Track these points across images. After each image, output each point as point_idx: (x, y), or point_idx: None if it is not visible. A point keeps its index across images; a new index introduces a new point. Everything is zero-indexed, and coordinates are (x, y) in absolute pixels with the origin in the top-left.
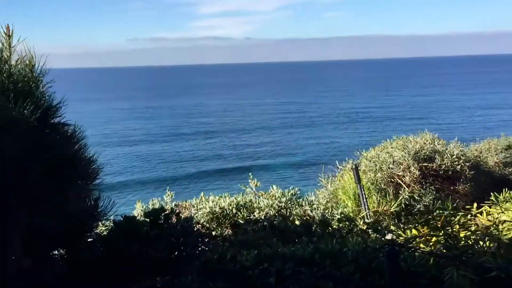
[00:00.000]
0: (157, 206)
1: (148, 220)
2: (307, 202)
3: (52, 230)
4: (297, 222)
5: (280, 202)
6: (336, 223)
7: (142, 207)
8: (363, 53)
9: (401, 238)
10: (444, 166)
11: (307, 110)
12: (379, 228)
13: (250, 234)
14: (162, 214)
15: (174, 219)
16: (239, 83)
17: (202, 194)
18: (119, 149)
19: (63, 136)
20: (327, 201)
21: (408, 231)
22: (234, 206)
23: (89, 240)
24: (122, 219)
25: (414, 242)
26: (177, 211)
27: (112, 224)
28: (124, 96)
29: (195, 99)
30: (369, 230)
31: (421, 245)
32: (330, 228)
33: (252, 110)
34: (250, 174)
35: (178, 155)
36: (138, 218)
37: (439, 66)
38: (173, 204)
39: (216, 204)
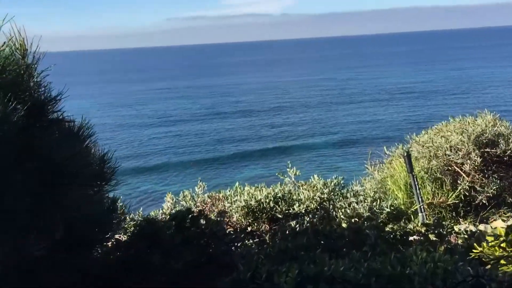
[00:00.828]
0: (188, 198)
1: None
2: (352, 194)
3: (48, 250)
4: (343, 225)
5: (322, 194)
6: (390, 226)
7: (172, 199)
8: (398, 26)
9: (485, 257)
10: (509, 151)
11: (347, 86)
12: (442, 231)
13: (289, 241)
14: (189, 217)
15: (203, 221)
16: (278, 60)
17: (237, 184)
18: (159, 129)
19: (64, 134)
20: (374, 192)
21: (493, 249)
22: (272, 198)
23: (106, 246)
24: (143, 221)
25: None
26: (206, 213)
27: (134, 227)
28: (165, 76)
29: (234, 77)
30: (429, 234)
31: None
32: (382, 233)
33: (291, 87)
34: (288, 162)
35: (217, 135)
36: (162, 217)
37: (471, 38)
38: (206, 195)
39: (252, 197)
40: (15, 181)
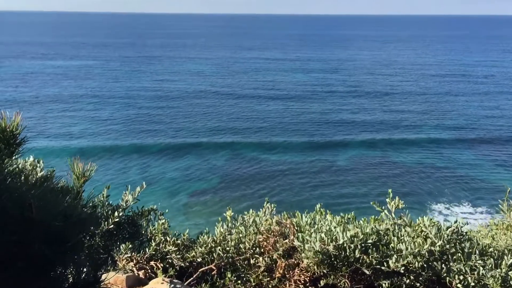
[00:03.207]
0: (249, 220)
1: None
2: (477, 250)
3: None
4: None
5: (432, 245)
6: None
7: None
8: None
9: None
10: None
11: (478, 72)
12: None
13: None
14: None
15: None
16: (398, 36)
17: (317, 207)
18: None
19: None
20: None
21: None
22: (359, 245)
23: None
24: None
25: None
26: (266, 248)
27: None
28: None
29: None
30: None
31: None
32: None
33: (410, 69)
34: (389, 190)
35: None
36: None
37: None
38: (274, 220)
39: (331, 238)
40: None
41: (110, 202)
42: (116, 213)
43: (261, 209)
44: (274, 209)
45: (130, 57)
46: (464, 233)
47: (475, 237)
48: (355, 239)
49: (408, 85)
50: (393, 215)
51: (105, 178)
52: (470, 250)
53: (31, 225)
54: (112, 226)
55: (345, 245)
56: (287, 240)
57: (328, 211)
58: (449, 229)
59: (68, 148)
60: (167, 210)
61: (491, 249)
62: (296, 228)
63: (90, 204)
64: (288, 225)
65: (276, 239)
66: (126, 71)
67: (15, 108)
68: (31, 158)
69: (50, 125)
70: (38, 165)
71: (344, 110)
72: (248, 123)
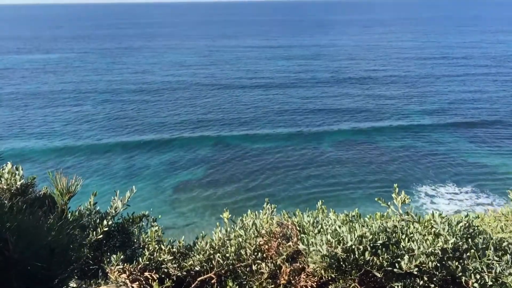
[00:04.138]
0: (249, 222)
1: None
2: (492, 245)
3: None
4: None
5: (445, 243)
6: None
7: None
8: None
9: None
10: None
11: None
12: None
13: None
14: None
15: None
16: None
17: (318, 205)
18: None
19: None
20: None
21: None
22: (367, 245)
23: None
24: None
25: None
26: (268, 252)
27: None
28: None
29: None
30: None
31: None
32: None
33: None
34: (395, 185)
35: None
36: None
37: None
38: (275, 221)
39: (338, 240)
40: None
41: (98, 209)
42: (105, 222)
43: (261, 211)
44: (275, 209)
45: (109, 48)
46: (476, 227)
47: (483, 228)
48: (364, 239)
49: (389, 69)
50: (400, 211)
51: (88, 175)
52: (484, 246)
53: (7, 264)
54: (101, 236)
55: (353, 247)
56: (290, 243)
57: (331, 210)
58: (460, 224)
59: (50, 146)
60: (160, 216)
61: (505, 243)
62: (298, 228)
63: (76, 222)
64: (290, 226)
65: (279, 242)
66: (107, 63)
67: None
68: (9, 165)
69: (30, 123)
70: (17, 172)
71: (326, 97)
72: (233, 113)
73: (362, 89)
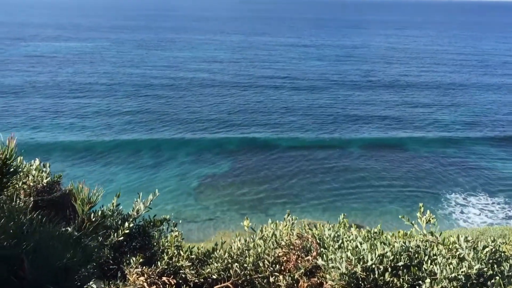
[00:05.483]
0: (269, 233)
1: None
2: None
3: None
4: None
5: (470, 268)
6: None
7: (249, 224)
8: None
9: None
10: None
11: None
12: None
13: None
14: None
15: None
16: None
17: (340, 218)
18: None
19: None
20: None
21: None
22: (388, 266)
23: None
24: None
25: None
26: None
27: None
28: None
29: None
30: None
31: None
32: None
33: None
34: (421, 204)
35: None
36: None
37: None
38: (295, 232)
39: (358, 258)
40: None
41: (121, 208)
42: (126, 224)
43: (281, 222)
44: (296, 220)
45: (145, 40)
46: (502, 252)
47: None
48: (385, 259)
49: (423, 74)
50: (424, 231)
51: (116, 165)
52: (510, 274)
53: (22, 286)
54: (121, 238)
55: (373, 266)
56: (309, 257)
57: (352, 224)
58: (486, 249)
59: (79, 139)
60: (180, 221)
61: None
62: (318, 241)
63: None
64: (310, 239)
65: (298, 254)
66: (141, 54)
67: (23, 93)
68: (37, 161)
69: (61, 113)
70: (44, 169)
71: (357, 101)
72: (261, 113)
73: (395, 94)
